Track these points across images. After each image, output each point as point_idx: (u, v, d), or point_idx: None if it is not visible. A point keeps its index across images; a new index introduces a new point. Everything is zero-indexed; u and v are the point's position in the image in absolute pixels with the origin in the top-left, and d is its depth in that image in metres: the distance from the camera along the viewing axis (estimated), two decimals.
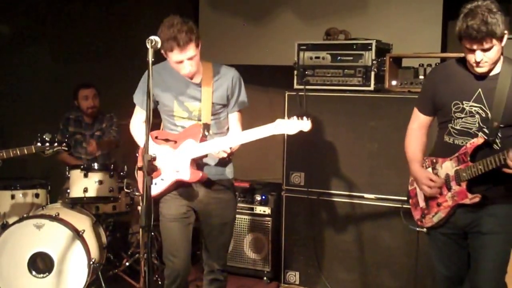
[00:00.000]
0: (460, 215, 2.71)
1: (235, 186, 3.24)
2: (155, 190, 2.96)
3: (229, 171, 3.14)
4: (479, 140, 2.62)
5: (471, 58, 2.56)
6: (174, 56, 2.84)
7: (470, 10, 2.50)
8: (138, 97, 3.10)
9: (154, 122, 2.86)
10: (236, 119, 3.11)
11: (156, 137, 3.08)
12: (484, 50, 2.51)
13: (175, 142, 3.02)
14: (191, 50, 2.84)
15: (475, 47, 2.50)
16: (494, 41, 2.48)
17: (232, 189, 3.18)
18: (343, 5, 5.03)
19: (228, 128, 3.12)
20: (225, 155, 2.91)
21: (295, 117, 2.81)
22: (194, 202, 3.07)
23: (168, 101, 3.01)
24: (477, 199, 2.63)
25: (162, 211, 3.06)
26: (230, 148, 2.91)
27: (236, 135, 2.94)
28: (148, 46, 2.53)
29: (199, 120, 3.00)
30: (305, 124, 2.79)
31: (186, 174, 2.95)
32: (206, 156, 2.98)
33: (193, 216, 3.11)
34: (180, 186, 3.03)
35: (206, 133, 2.97)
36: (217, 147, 2.91)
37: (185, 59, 2.85)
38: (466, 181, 2.65)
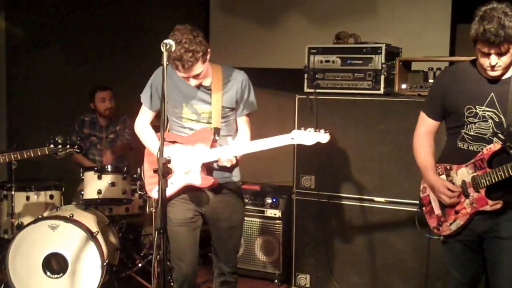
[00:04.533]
0: (478, 222, 2.66)
1: (242, 189, 3.23)
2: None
3: (236, 174, 3.11)
4: (495, 146, 2.57)
5: (485, 61, 2.51)
6: (180, 73, 2.82)
7: (486, 13, 2.44)
8: (146, 96, 3.05)
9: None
10: (244, 122, 3.09)
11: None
12: (500, 54, 2.46)
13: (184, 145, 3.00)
14: (197, 70, 2.79)
15: (492, 51, 2.45)
16: (510, 45, 2.44)
17: (239, 192, 3.16)
18: (353, 9, 5.05)
19: (236, 130, 3.09)
20: (229, 164, 2.88)
21: (311, 129, 2.78)
22: (201, 206, 3.06)
23: (177, 102, 2.97)
24: (498, 206, 2.57)
25: (170, 216, 2.96)
26: (236, 157, 2.88)
27: (249, 143, 2.90)
28: (163, 49, 2.49)
29: (208, 122, 2.97)
30: (322, 137, 2.77)
31: (197, 179, 2.93)
32: (216, 161, 2.94)
33: (200, 220, 3.09)
34: (188, 190, 3.01)
35: (217, 137, 2.95)
36: (229, 153, 2.87)
37: (190, 77, 2.83)
38: (485, 188, 2.60)
